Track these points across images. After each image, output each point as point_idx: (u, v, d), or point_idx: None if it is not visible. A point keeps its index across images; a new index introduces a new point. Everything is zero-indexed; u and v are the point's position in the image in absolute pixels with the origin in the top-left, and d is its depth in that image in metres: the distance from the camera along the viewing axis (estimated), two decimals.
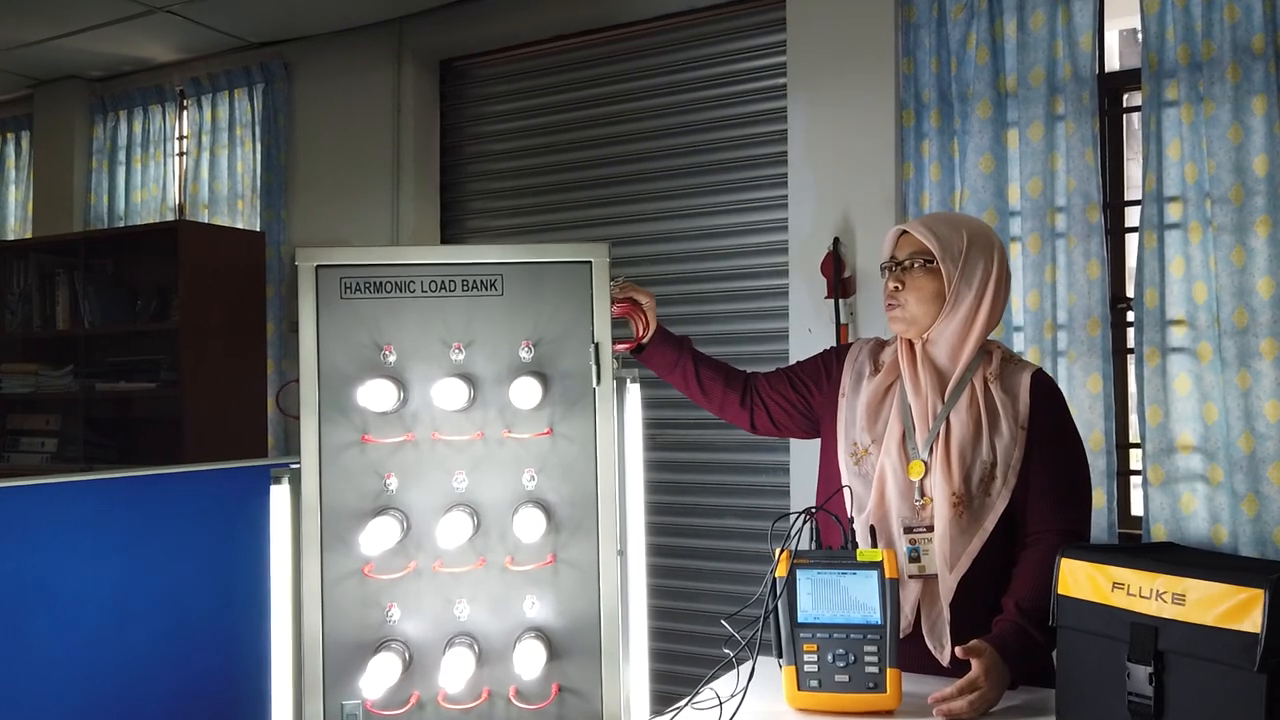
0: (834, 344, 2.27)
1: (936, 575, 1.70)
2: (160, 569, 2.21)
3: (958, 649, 1.57)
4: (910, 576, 1.71)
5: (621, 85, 3.58)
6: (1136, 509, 2.69)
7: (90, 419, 4.09)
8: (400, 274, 1.66)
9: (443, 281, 1.67)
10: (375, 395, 1.61)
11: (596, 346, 1.63)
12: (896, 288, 1.78)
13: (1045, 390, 1.76)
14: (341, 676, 1.63)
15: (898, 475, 1.74)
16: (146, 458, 3.95)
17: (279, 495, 1.68)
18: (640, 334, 1.89)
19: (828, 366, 1.93)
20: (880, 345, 1.89)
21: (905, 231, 1.81)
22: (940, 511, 1.70)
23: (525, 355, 1.65)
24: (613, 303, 1.67)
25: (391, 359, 1.65)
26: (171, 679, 2.19)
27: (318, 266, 1.66)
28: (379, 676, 1.58)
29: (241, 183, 4.23)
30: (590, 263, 1.65)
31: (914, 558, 1.72)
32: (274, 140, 4.12)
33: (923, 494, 1.73)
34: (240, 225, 4.19)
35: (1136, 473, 2.68)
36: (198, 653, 2.22)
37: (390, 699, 1.61)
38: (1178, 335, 2.59)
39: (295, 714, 1.67)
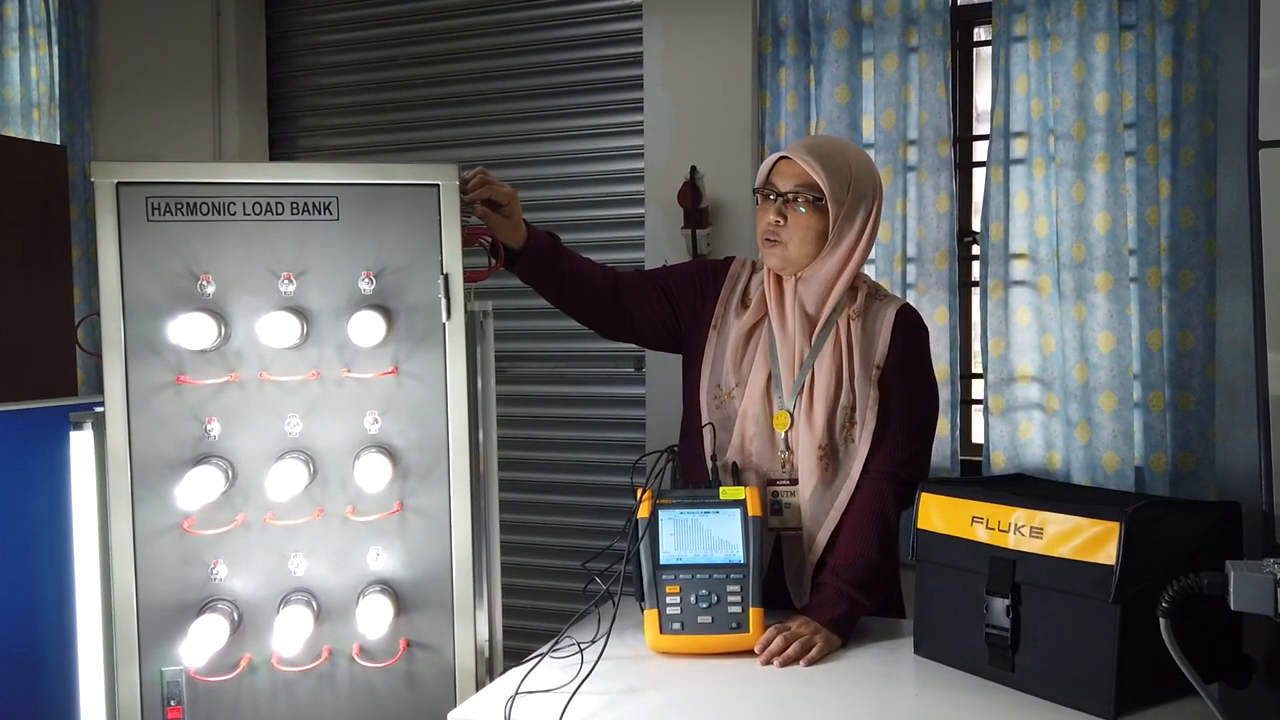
0: None
1: (799, 529, 1.66)
2: None
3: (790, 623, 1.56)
4: (771, 529, 1.67)
5: None
6: (978, 437, 2.78)
7: None
8: (218, 194, 1.48)
9: (269, 204, 1.50)
10: (190, 330, 1.45)
11: (446, 278, 1.50)
12: (778, 222, 1.66)
13: (906, 326, 1.69)
14: (160, 641, 1.50)
15: (760, 425, 1.68)
16: None
17: (80, 442, 1.51)
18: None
19: (703, 285, 1.78)
20: (754, 270, 1.78)
21: (786, 157, 1.67)
22: (806, 466, 1.65)
23: (365, 287, 1.51)
24: (464, 227, 1.54)
25: (210, 290, 1.49)
26: None
27: (119, 184, 1.47)
28: (203, 640, 1.46)
29: (37, 91, 3.78)
30: (438, 185, 1.52)
31: (776, 511, 1.67)
32: (74, 44, 3.68)
33: (788, 446, 1.68)
34: (38, 138, 3.75)
35: (979, 402, 2.76)
36: None
37: (218, 664, 1.49)
38: (1020, 268, 2.65)
39: (107, 683, 1.53)
